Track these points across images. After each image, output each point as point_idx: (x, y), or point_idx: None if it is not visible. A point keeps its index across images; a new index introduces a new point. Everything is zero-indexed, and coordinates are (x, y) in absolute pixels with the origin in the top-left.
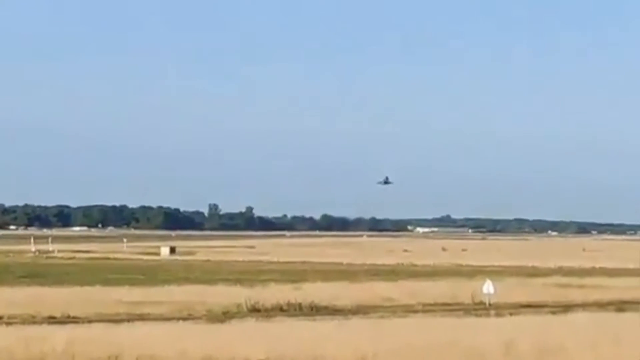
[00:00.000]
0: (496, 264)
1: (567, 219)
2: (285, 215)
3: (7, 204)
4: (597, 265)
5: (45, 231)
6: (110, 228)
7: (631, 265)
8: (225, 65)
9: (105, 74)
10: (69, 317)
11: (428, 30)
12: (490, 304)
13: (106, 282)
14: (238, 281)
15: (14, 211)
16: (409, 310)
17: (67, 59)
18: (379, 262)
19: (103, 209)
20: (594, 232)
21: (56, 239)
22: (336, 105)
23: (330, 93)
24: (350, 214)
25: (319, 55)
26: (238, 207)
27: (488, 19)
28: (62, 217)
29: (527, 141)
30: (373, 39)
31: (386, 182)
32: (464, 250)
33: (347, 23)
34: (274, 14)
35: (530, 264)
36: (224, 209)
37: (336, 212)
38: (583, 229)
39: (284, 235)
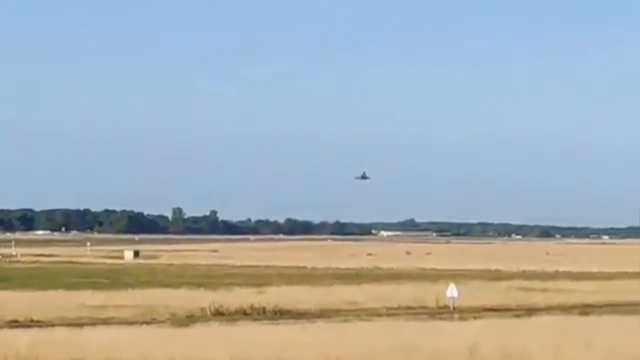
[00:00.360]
0: (460, 267)
1: (531, 223)
2: (249, 219)
3: None
4: (561, 269)
5: (9, 235)
6: (73, 232)
7: (594, 269)
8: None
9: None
10: (32, 321)
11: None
12: (454, 308)
13: (70, 286)
14: (202, 285)
15: None
16: (373, 313)
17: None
18: (343, 265)
19: (66, 213)
20: (557, 235)
21: (19, 242)
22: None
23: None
24: (315, 217)
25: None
26: (202, 211)
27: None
28: (26, 220)
29: (491, 144)
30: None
31: (364, 177)
32: (428, 253)
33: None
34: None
35: (493, 268)
36: (188, 212)
37: (301, 216)
38: (546, 232)
39: (248, 239)
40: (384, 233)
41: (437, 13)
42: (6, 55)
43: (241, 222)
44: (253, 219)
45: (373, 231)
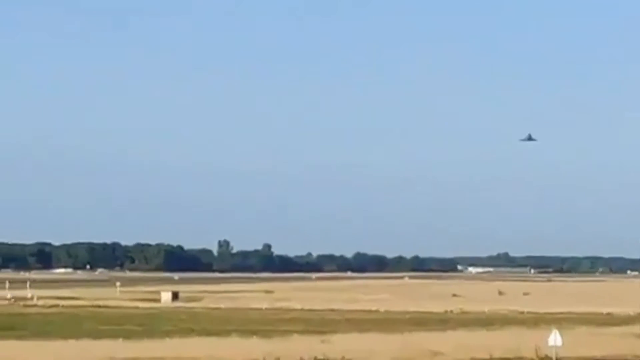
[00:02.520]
0: (564, 310)
1: None
2: (309, 254)
3: None
4: None
5: (23, 274)
6: (100, 270)
7: None
8: None
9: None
10: None
11: None
12: (557, 359)
13: (96, 335)
14: (254, 333)
15: None
16: None
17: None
18: (423, 309)
19: (91, 247)
20: None
21: (35, 283)
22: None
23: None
24: (389, 251)
25: None
26: (253, 245)
27: None
28: (43, 256)
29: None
30: None
31: (530, 139)
32: (525, 294)
33: None
34: None
35: (605, 311)
36: (237, 246)
37: (372, 250)
38: None
39: (309, 278)
40: (471, 269)
41: None
42: None
43: (300, 257)
44: (315, 254)
45: (459, 267)
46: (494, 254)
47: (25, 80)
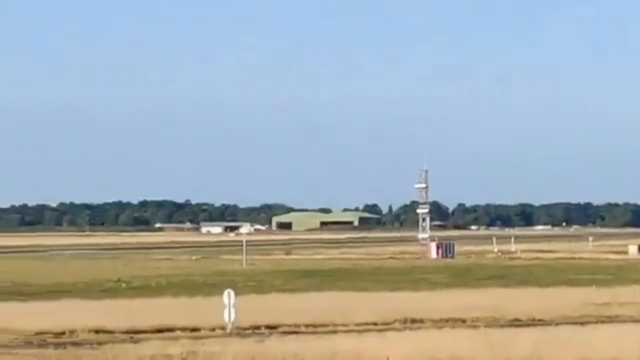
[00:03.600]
0: None
1: None
2: None
3: (468, 203)
4: None
5: (507, 231)
6: (575, 227)
7: None
8: None
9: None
10: (533, 319)
11: None
12: None
13: (571, 283)
14: None
15: (475, 210)
16: None
17: None
18: None
19: (567, 207)
20: None
21: (518, 238)
22: None
23: None
24: None
25: None
26: None
27: None
28: (525, 216)
29: None
30: None
31: None
32: None
33: None
34: None
35: None
36: None
37: None
38: None
39: None
40: None
41: None
42: None
43: None
44: None
45: None
46: None
47: None
